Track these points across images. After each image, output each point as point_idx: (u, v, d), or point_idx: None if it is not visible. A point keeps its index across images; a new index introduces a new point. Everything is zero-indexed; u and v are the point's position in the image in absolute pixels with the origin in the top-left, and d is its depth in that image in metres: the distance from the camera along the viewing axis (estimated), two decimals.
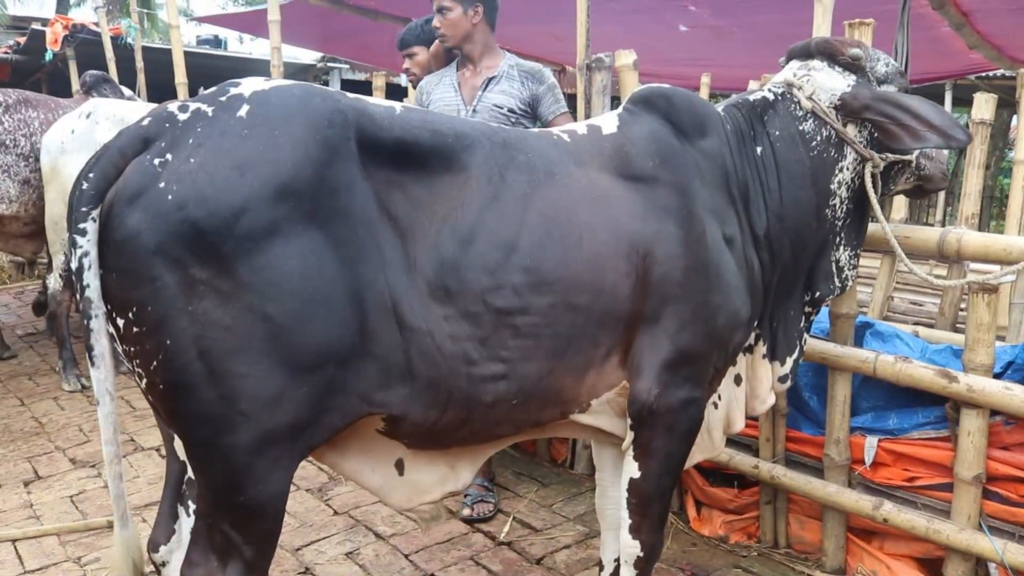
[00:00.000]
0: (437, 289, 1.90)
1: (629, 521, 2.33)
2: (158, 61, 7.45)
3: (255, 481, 1.81)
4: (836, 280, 2.55)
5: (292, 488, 3.79)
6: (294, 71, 11.37)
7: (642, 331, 2.16)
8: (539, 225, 2.03)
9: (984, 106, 3.31)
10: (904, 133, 2.32)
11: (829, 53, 2.42)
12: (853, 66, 2.40)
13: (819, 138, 2.38)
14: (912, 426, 2.91)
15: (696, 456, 2.56)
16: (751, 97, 2.50)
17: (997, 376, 2.67)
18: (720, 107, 2.49)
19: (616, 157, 2.23)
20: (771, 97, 2.45)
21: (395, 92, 9.70)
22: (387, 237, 1.86)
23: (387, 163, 1.91)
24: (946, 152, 2.64)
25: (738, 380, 2.51)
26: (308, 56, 12.15)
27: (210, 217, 1.65)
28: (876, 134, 2.39)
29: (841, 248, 2.53)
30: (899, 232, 2.78)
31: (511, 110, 3.57)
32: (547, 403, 2.14)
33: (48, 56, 8.92)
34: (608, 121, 2.35)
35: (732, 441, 3.31)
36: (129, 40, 8.35)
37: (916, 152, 2.50)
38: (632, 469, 2.29)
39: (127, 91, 6.54)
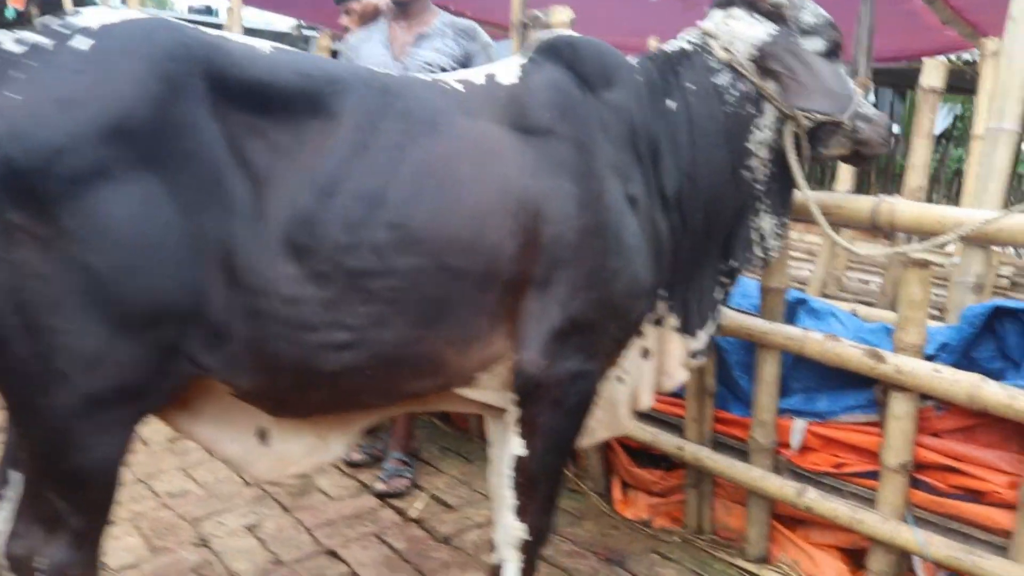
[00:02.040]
0: (285, 245, 1.71)
1: (515, 502, 2.15)
2: None
3: (80, 446, 1.65)
4: (757, 249, 2.37)
5: (206, 458, 3.65)
6: (269, 38, 11.12)
7: (530, 297, 1.98)
8: (411, 178, 1.84)
9: (933, 72, 3.12)
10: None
11: (749, 1, 2.23)
12: (775, 15, 2.21)
13: (735, 92, 2.19)
14: (841, 409, 2.74)
15: (599, 433, 2.39)
16: (667, 48, 2.32)
17: (929, 358, 2.51)
18: (635, 59, 2.30)
19: (510, 108, 2.04)
20: (688, 48, 2.26)
21: None
22: (237, 185, 1.68)
23: (245, 105, 1.72)
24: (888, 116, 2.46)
25: (646, 354, 2.33)
26: (284, 23, 11.90)
27: (26, 155, 1.47)
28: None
29: (763, 215, 2.34)
30: (832, 202, 2.60)
31: (443, 68, 3.39)
32: (422, 374, 1.96)
33: (10, 13, 8.66)
34: (509, 70, 2.16)
35: (659, 420, 3.15)
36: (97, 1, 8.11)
37: (849, 113, 2.32)
38: (517, 446, 2.11)
39: None
